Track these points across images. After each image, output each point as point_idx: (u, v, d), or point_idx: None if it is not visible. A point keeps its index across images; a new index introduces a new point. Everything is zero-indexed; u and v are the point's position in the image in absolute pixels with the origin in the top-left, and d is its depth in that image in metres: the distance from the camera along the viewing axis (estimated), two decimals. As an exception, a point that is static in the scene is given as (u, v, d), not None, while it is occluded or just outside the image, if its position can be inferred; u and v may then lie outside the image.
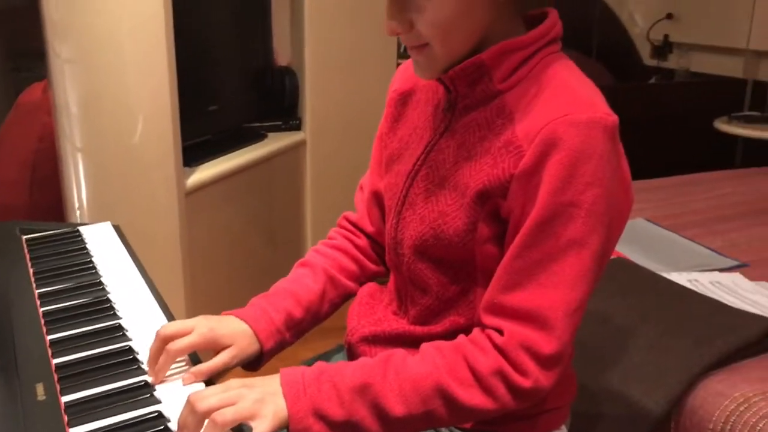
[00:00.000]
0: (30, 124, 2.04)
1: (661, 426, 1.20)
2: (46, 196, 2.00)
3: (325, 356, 1.11)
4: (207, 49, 2.14)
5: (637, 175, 2.20)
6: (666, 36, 3.70)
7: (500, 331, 0.78)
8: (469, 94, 0.84)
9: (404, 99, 0.98)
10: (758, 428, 1.10)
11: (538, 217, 0.76)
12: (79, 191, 1.80)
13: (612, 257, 1.64)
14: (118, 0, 1.68)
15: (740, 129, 3.01)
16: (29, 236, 1.23)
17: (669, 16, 3.70)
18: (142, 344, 0.88)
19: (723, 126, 3.06)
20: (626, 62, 3.95)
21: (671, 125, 3.24)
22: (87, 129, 1.76)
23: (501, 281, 0.79)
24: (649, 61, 3.85)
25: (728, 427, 1.13)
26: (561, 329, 0.76)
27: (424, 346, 0.82)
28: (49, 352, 0.86)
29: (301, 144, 2.47)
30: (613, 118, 0.77)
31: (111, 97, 1.74)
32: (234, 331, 0.90)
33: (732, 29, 3.38)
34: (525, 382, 0.76)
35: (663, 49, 3.71)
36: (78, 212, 1.81)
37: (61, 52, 1.72)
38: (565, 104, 0.76)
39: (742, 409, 1.13)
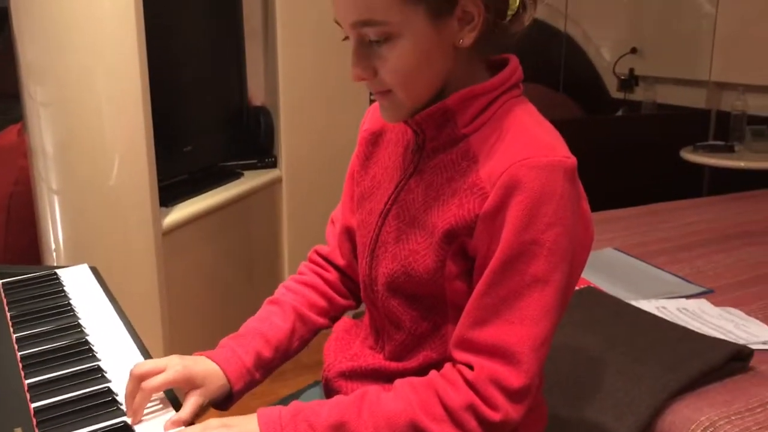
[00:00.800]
0: (5, 166, 2.05)
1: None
2: (22, 238, 2.00)
3: (298, 392, 1.12)
4: (182, 89, 2.16)
5: (606, 205, 2.24)
6: (631, 70, 3.81)
7: (470, 366, 0.81)
8: (437, 137, 0.88)
9: (375, 138, 1.01)
10: (725, 452, 1.13)
11: (502, 256, 0.79)
12: (55, 233, 1.80)
13: (582, 286, 1.69)
14: (92, 42, 1.70)
15: (705, 158, 3.09)
16: (6, 280, 1.23)
17: (633, 51, 3.82)
18: (121, 386, 0.89)
19: (689, 155, 3.14)
20: (594, 95, 4.05)
21: (639, 156, 3.31)
22: (63, 171, 1.77)
23: (470, 318, 0.82)
24: (615, 94, 3.96)
25: (696, 451, 1.16)
26: (528, 363, 0.79)
27: (397, 382, 0.85)
28: (28, 396, 0.87)
29: (277, 181, 2.50)
30: (572, 160, 0.81)
31: (87, 139, 1.75)
32: (206, 370, 0.91)
33: (694, 62, 3.50)
34: (495, 416, 0.79)
35: (629, 82, 3.82)
36: (54, 254, 1.81)
37: (36, 94, 1.74)
38: (525, 148, 0.80)
39: (708, 434, 1.17)
